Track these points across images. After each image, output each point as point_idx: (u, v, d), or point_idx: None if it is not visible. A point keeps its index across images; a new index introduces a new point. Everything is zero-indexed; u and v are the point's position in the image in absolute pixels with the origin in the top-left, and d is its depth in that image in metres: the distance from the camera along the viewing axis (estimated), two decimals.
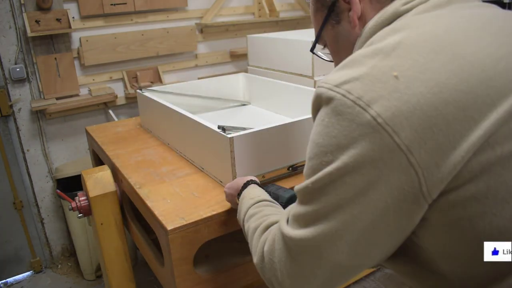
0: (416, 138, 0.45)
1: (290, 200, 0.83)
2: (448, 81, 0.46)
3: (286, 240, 0.55)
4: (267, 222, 0.67)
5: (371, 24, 0.59)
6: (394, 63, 0.48)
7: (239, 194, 0.84)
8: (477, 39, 0.50)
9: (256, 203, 0.76)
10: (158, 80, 2.27)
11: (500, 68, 0.48)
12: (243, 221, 0.76)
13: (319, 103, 0.53)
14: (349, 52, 0.61)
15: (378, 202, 0.47)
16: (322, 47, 0.73)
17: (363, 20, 0.62)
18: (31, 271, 2.17)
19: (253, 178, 0.88)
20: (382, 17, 0.58)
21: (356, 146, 0.47)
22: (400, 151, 0.45)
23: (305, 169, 0.54)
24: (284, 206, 0.83)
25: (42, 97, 1.99)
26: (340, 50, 0.68)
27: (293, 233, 0.54)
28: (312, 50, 0.76)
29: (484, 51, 0.49)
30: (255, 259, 0.64)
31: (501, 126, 0.46)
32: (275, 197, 0.85)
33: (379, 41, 0.53)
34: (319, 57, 0.81)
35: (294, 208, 0.56)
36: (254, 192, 0.81)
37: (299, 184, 0.55)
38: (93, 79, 2.12)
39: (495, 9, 0.59)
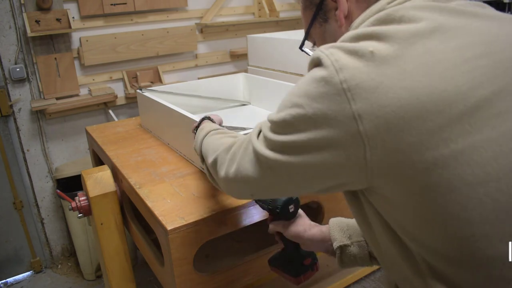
0: (370, 110, 0.47)
1: (286, 204, 0.84)
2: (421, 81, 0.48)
3: (255, 150, 0.59)
4: (233, 134, 0.75)
5: (357, 22, 0.60)
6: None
7: (196, 127, 0.91)
8: (456, 51, 0.50)
9: (216, 129, 0.82)
10: (158, 80, 2.27)
11: (462, 79, 0.48)
12: (202, 138, 0.81)
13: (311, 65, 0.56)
14: None
15: (329, 158, 0.51)
16: (312, 44, 0.74)
17: (349, 19, 0.63)
18: (31, 271, 2.17)
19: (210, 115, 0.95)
20: (368, 15, 0.58)
21: (321, 101, 0.50)
22: (353, 119, 0.48)
23: (279, 104, 0.57)
24: (280, 211, 0.84)
25: (42, 97, 1.99)
26: None
27: (260, 148, 0.58)
28: (301, 47, 0.77)
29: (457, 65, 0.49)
30: (214, 155, 0.70)
31: (455, 125, 0.47)
32: (271, 200, 0.85)
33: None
34: (307, 54, 0.82)
35: (265, 127, 0.59)
36: (214, 124, 0.88)
37: (271, 114, 0.58)
38: (93, 79, 2.12)
39: (486, 10, 0.58)
